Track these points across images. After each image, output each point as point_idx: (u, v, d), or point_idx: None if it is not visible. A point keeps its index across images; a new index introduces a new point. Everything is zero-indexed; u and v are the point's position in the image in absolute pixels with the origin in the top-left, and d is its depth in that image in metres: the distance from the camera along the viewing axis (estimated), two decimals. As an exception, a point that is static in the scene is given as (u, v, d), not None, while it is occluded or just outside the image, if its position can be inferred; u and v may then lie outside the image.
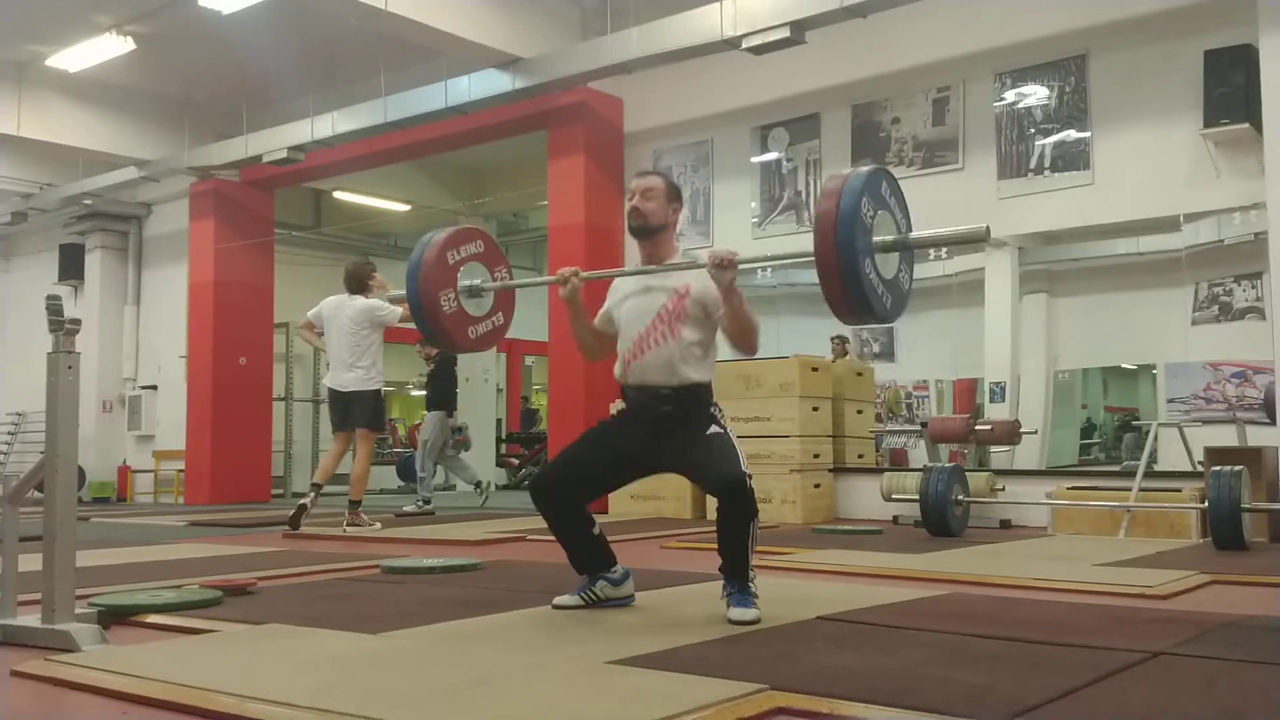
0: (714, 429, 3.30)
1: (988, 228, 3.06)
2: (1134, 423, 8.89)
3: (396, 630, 3.15)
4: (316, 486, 7.11)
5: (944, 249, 8.13)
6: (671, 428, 3.32)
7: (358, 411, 7.05)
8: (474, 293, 3.76)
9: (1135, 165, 6.89)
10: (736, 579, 3.27)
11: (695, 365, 3.34)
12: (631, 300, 3.45)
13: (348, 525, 6.98)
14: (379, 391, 7.27)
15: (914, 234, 3.09)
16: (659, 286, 3.40)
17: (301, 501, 7.02)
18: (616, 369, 3.45)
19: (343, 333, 7.10)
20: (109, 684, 2.50)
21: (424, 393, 10.43)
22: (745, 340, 3.31)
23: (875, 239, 2.93)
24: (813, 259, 2.93)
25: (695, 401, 3.34)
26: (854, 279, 2.84)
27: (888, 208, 3.02)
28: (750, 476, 3.23)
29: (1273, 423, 6.08)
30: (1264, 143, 6.15)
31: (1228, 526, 5.12)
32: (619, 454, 3.40)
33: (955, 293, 8.45)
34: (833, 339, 8.83)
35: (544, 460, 8.65)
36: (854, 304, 2.90)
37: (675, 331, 3.33)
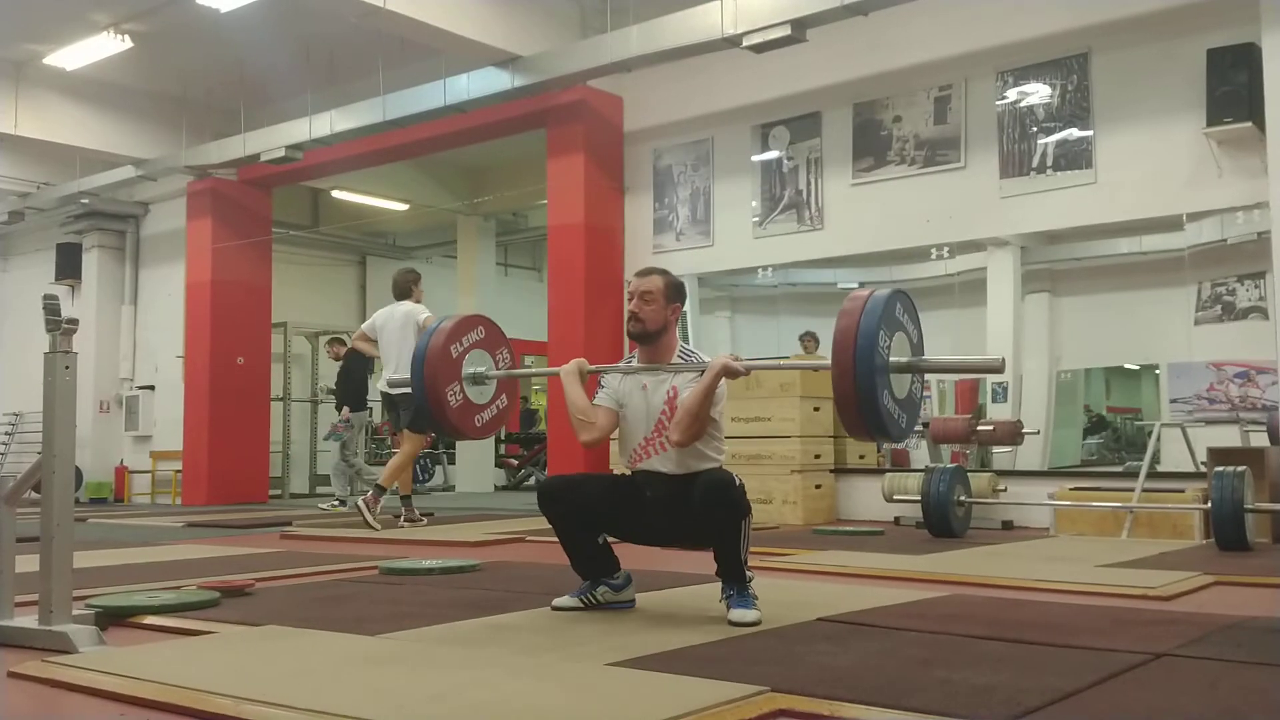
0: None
1: (1003, 359, 3.09)
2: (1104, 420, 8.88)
3: (394, 632, 3.13)
4: (404, 498, 7.68)
5: (946, 248, 8.12)
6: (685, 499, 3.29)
7: (403, 413, 7.31)
8: (477, 380, 3.78)
9: (1138, 164, 6.87)
10: (734, 582, 3.26)
11: (701, 457, 3.34)
12: (635, 398, 3.42)
13: (403, 520, 7.46)
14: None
15: (927, 358, 3.10)
16: (656, 388, 3.39)
17: (406, 518, 7.52)
18: (624, 460, 3.47)
19: (392, 338, 7.29)
20: (106, 685, 2.49)
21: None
22: (684, 423, 3.24)
23: (891, 360, 2.94)
24: (828, 369, 2.95)
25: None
26: (872, 409, 2.87)
27: (903, 328, 3.03)
28: (739, 478, 3.25)
29: (1274, 443, 6.06)
30: (1267, 142, 6.14)
31: (1231, 527, 5.10)
32: (628, 500, 3.40)
33: (957, 292, 8.43)
34: (802, 336, 8.83)
35: (544, 460, 8.63)
36: (872, 430, 2.94)
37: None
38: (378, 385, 7.70)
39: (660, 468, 3.37)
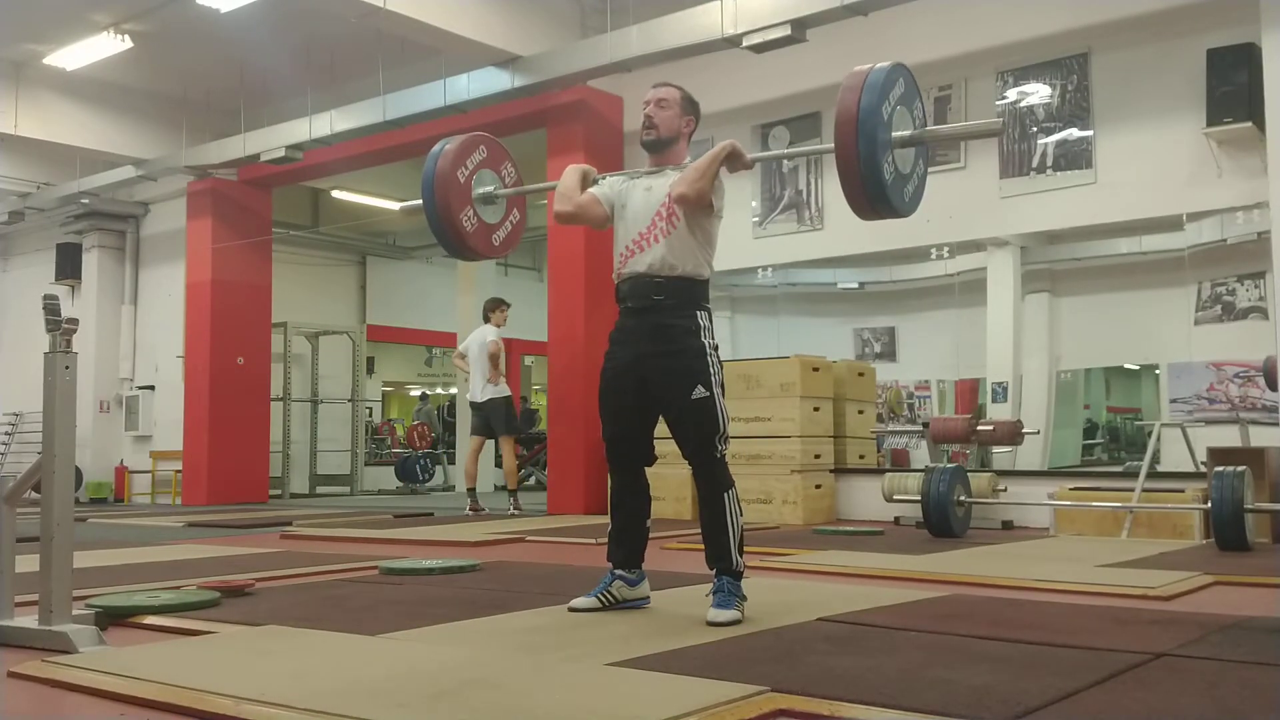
0: (698, 391, 3.25)
1: (1002, 121, 3.19)
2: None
3: (395, 632, 3.13)
4: (470, 491, 8.82)
5: (946, 248, 8.12)
6: (661, 321, 3.31)
7: (494, 419, 8.60)
8: (488, 199, 3.81)
9: (1137, 164, 6.87)
10: (721, 564, 3.24)
11: (688, 258, 3.33)
12: (635, 196, 3.44)
13: (512, 509, 8.48)
14: (509, 398, 8.73)
15: (930, 128, 3.20)
16: (660, 186, 3.39)
17: (474, 509, 8.60)
18: (615, 264, 3.46)
19: (475, 356, 8.70)
20: (106, 685, 2.48)
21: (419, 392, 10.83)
22: (690, 177, 3.28)
23: (894, 135, 3.03)
24: (831, 153, 3.03)
25: (686, 292, 3.33)
26: (874, 175, 2.94)
27: (905, 104, 3.07)
28: (723, 449, 3.26)
29: (1274, 390, 6.04)
30: (1266, 141, 6.13)
31: (1231, 527, 5.10)
32: (629, 369, 3.36)
33: (957, 292, 8.43)
34: None
35: (544, 460, 8.67)
36: (875, 203, 2.99)
37: (673, 226, 3.33)
38: (467, 397, 9.01)
39: (645, 266, 3.33)
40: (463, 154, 3.79)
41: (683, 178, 3.31)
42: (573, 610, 3.42)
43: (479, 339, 8.69)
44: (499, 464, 14.99)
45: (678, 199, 3.29)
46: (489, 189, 3.84)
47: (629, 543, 3.48)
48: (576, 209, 3.51)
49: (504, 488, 14.61)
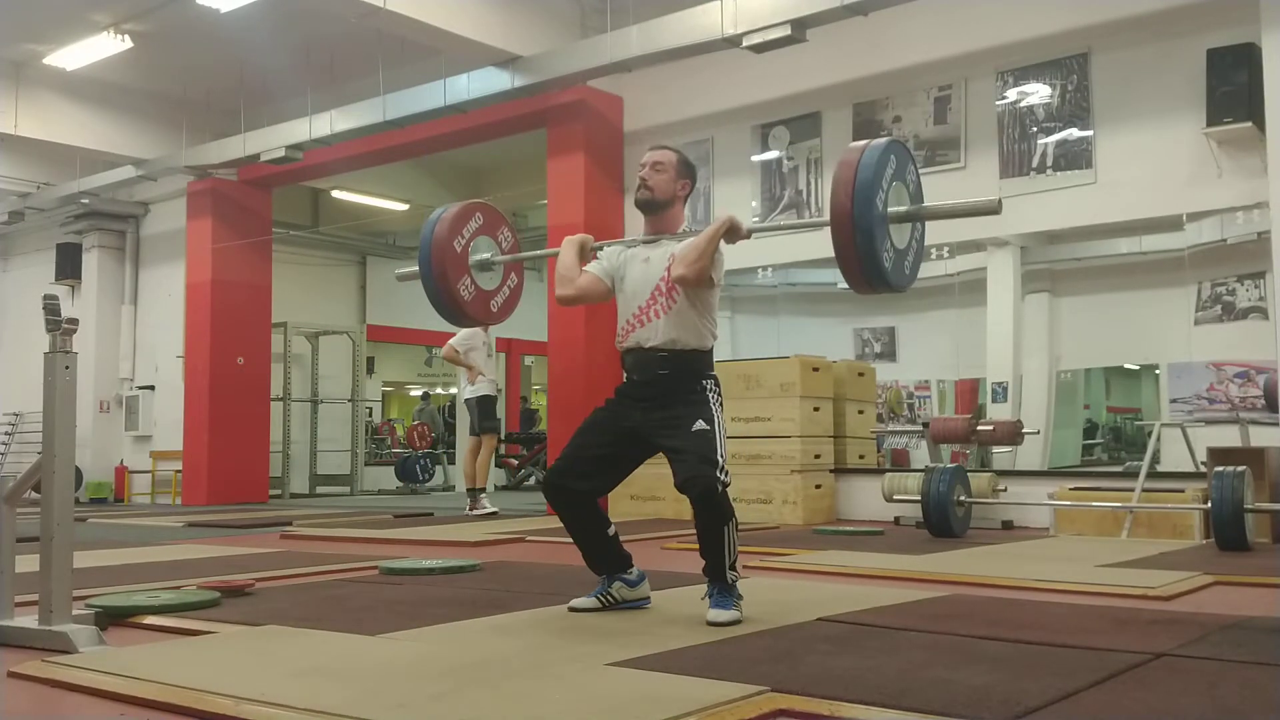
0: (699, 424, 3.24)
1: (999, 200, 3.17)
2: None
3: (395, 632, 3.13)
4: (469, 491, 8.62)
5: (946, 248, 8.11)
6: (666, 391, 3.31)
7: (471, 417, 8.59)
8: (485, 266, 3.80)
9: (1137, 164, 6.87)
10: (717, 580, 3.26)
11: (691, 331, 3.33)
12: (634, 269, 3.43)
13: (467, 508, 8.36)
14: (484, 397, 8.56)
15: (927, 205, 3.18)
16: (658, 258, 3.39)
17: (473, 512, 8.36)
18: (618, 336, 3.46)
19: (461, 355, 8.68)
20: (106, 685, 2.48)
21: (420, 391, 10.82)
22: (690, 257, 3.25)
23: (890, 210, 3.02)
24: (826, 226, 3.03)
25: (691, 364, 3.34)
26: (870, 254, 2.94)
27: (901, 179, 3.06)
28: (725, 482, 3.20)
29: (1274, 412, 6.05)
30: (1266, 141, 6.13)
31: (1230, 527, 5.10)
32: (617, 430, 3.38)
33: (957, 292, 8.43)
34: None
35: (544, 460, 8.67)
36: (873, 281, 2.99)
37: (673, 301, 3.33)
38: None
39: (650, 340, 3.33)
40: (459, 222, 3.77)
41: (681, 258, 3.28)
42: (573, 610, 3.43)
43: (476, 339, 8.66)
44: (498, 463, 15.06)
45: (678, 280, 3.28)
46: (486, 256, 3.82)
47: (606, 557, 3.49)
48: (579, 292, 3.51)
49: (502, 487, 14.60)
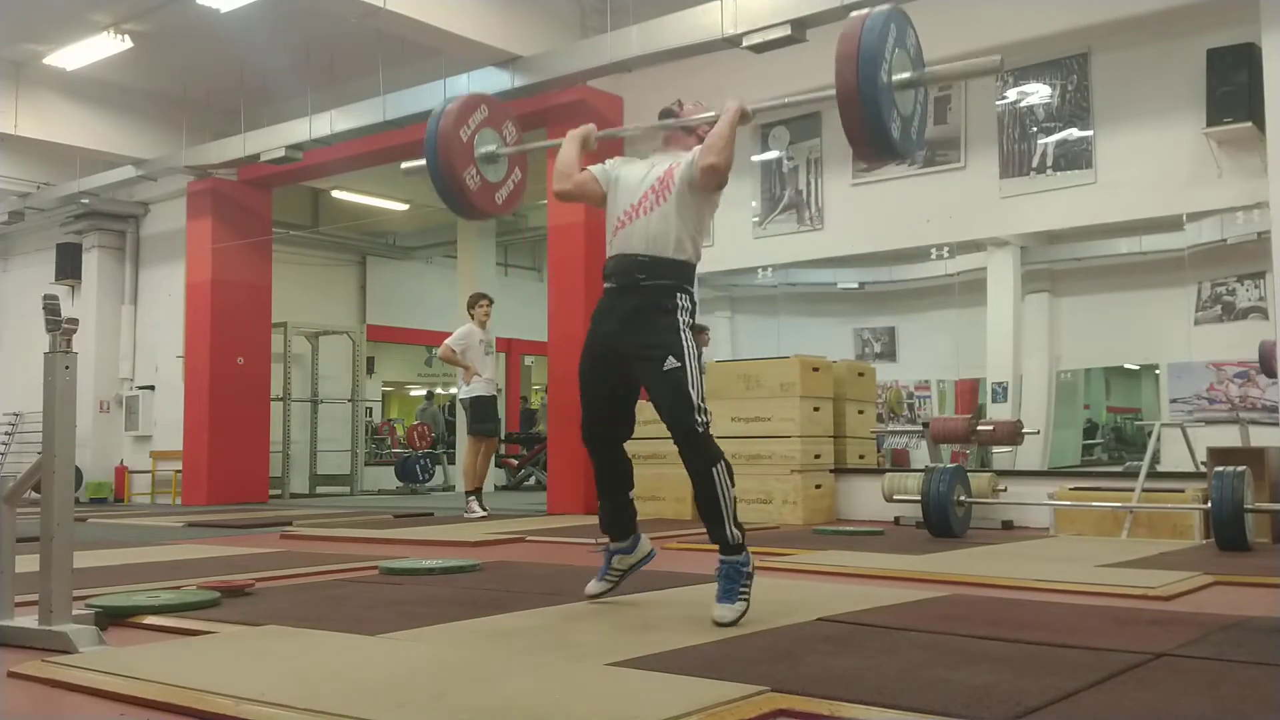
0: (670, 361, 3.23)
1: (1001, 59, 3.17)
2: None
3: (394, 632, 3.13)
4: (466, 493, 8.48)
5: (946, 249, 8.11)
6: (642, 302, 3.33)
7: (467, 418, 8.48)
8: (490, 159, 3.83)
9: (1137, 164, 6.87)
10: (719, 539, 3.24)
11: (673, 238, 3.36)
12: (633, 171, 3.51)
13: (465, 511, 8.26)
14: (478, 398, 8.41)
15: (928, 70, 3.24)
16: (661, 163, 3.49)
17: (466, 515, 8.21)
18: (607, 242, 3.50)
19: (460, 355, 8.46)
20: (106, 685, 2.48)
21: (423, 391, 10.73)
22: (717, 145, 3.35)
23: (895, 79, 3.07)
24: (833, 95, 3.07)
25: (669, 272, 3.35)
26: (879, 127, 2.98)
27: (903, 46, 3.14)
28: (702, 421, 3.21)
29: (1272, 376, 6.04)
30: (1266, 141, 6.13)
31: (1231, 527, 5.10)
32: (606, 366, 3.44)
33: (957, 292, 8.43)
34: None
35: (543, 460, 8.62)
36: (880, 151, 3.06)
37: (663, 200, 3.37)
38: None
39: (635, 247, 3.36)
40: (464, 113, 3.82)
41: (709, 146, 3.35)
42: (589, 596, 3.55)
43: (472, 338, 8.49)
44: (498, 463, 15.06)
45: (708, 168, 3.33)
46: (491, 148, 3.86)
47: (620, 520, 3.62)
48: (575, 187, 3.59)
49: (502, 487, 14.60)
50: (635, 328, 3.33)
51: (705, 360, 6.06)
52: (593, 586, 3.58)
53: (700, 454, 3.21)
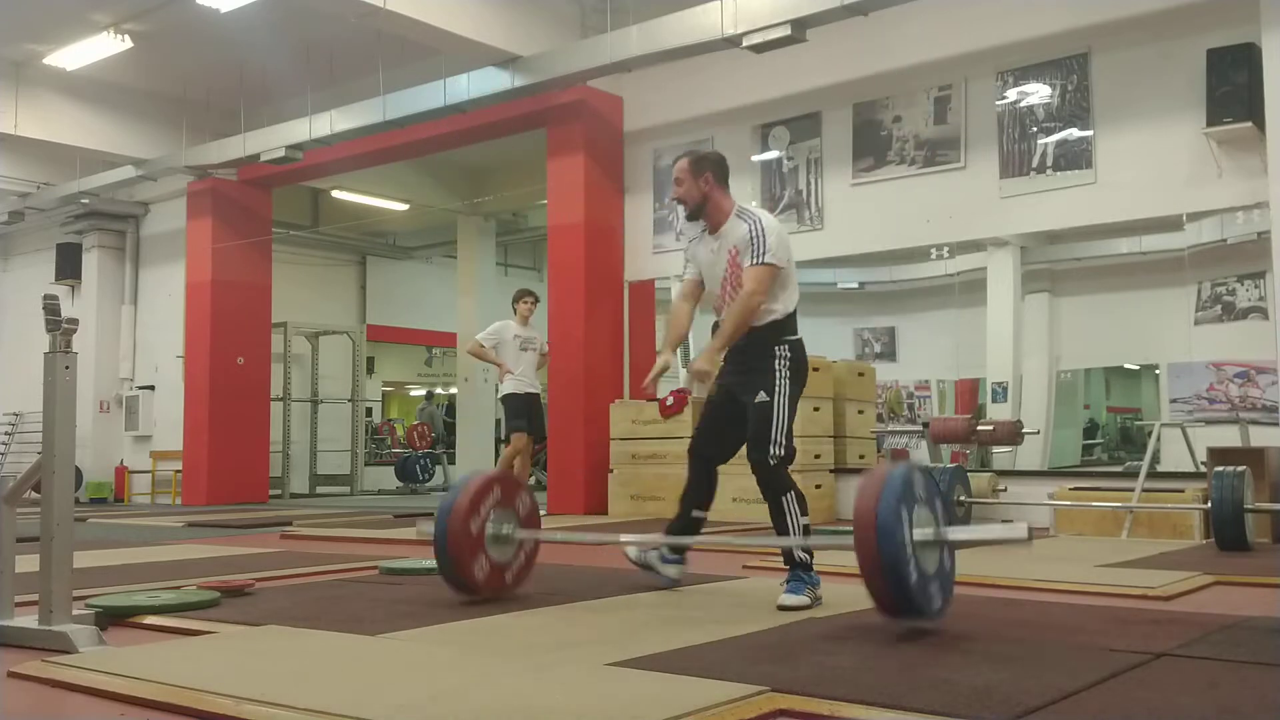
0: (761, 395, 3.62)
1: (1029, 528, 2.99)
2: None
3: (394, 631, 3.13)
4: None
5: (946, 249, 8.12)
6: (747, 359, 3.71)
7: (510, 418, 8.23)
8: (501, 539, 3.82)
9: (1137, 164, 6.86)
10: (789, 562, 3.58)
11: (759, 316, 3.69)
12: (704, 255, 3.87)
13: None
14: (508, 396, 8.17)
15: (951, 530, 3.08)
16: (719, 250, 3.79)
17: None
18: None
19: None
20: (106, 685, 2.48)
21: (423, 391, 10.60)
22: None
23: (915, 538, 2.91)
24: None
25: (766, 334, 3.72)
26: (900, 584, 2.85)
27: (924, 502, 3.02)
28: (776, 455, 3.62)
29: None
30: (1266, 141, 6.13)
31: (1230, 527, 5.10)
32: (721, 397, 3.82)
33: (957, 292, 8.43)
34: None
35: (544, 460, 8.61)
36: (904, 612, 2.93)
37: (737, 292, 3.72)
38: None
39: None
40: (474, 504, 3.72)
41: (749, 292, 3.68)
42: (623, 543, 3.89)
43: (506, 333, 8.13)
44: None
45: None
46: (505, 530, 3.80)
47: (685, 528, 3.88)
48: (694, 300, 3.99)
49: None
50: (742, 370, 3.74)
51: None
52: (632, 550, 3.89)
53: (771, 484, 3.69)
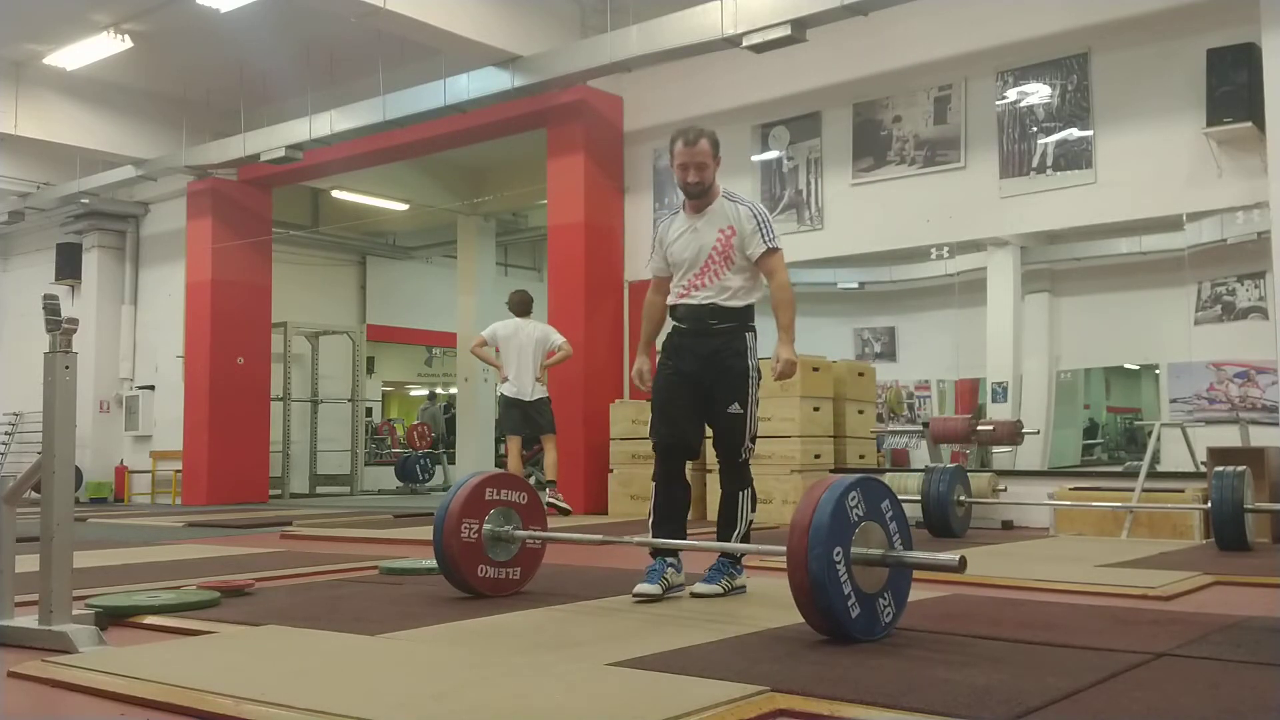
0: (734, 407, 3.73)
1: (962, 559, 2.88)
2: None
3: (395, 631, 3.13)
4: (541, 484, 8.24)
5: (946, 248, 8.11)
6: (717, 346, 3.76)
7: (540, 418, 8.03)
8: (499, 539, 3.84)
9: (1137, 164, 6.86)
10: (722, 552, 3.71)
11: (736, 293, 3.77)
12: (682, 238, 3.83)
13: (549, 499, 7.76)
14: (501, 398, 8.33)
15: (895, 553, 2.91)
16: (705, 228, 3.79)
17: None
18: (670, 298, 3.89)
19: (525, 350, 7.90)
20: (106, 685, 2.48)
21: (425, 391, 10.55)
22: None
23: (855, 549, 2.80)
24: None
25: (737, 318, 3.79)
26: (819, 585, 2.72)
27: (879, 519, 2.92)
28: (745, 456, 3.80)
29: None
30: (1266, 141, 6.13)
31: (1230, 527, 5.10)
32: (684, 382, 3.80)
33: (957, 292, 8.43)
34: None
35: (543, 461, 8.60)
36: (818, 609, 2.76)
37: (722, 274, 3.76)
38: (505, 391, 8.29)
39: (700, 298, 3.78)
40: (469, 510, 3.72)
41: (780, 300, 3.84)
42: (637, 596, 3.61)
43: (540, 334, 7.90)
44: (498, 464, 15.05)
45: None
46: (504, 528, 3.80)
47: (668, 526, 3.80)
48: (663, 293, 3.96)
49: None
50: (714, 370, 3.79)
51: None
52: (643, 587, 3.66)
53: (737, 478, 3.82)
